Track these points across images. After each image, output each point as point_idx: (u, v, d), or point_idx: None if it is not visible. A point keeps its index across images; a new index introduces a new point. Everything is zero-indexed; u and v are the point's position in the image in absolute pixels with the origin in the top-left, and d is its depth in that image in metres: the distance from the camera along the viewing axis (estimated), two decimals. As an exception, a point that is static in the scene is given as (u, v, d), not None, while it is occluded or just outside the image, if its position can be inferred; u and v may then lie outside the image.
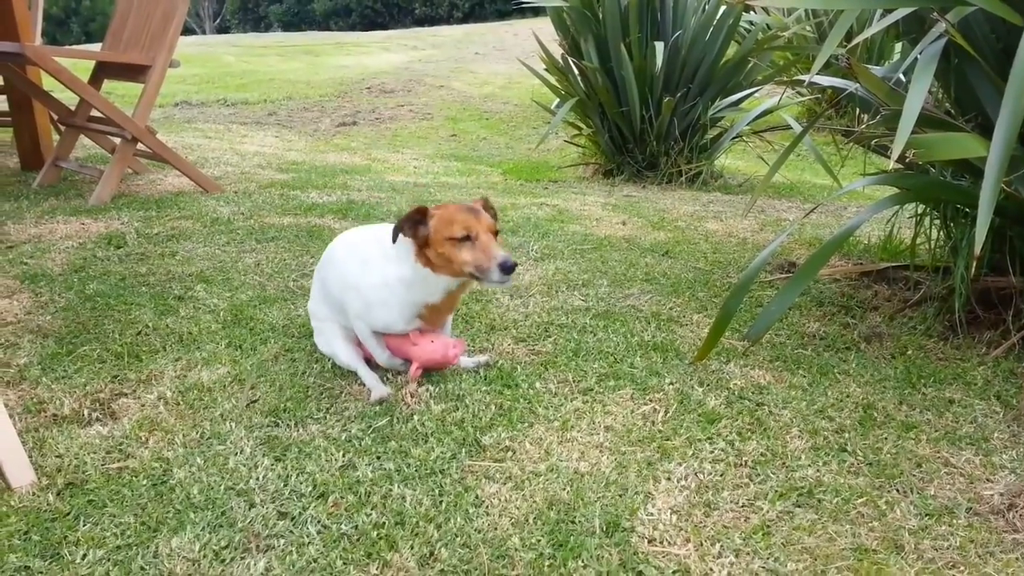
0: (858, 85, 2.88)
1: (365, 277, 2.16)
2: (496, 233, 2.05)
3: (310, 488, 1.74)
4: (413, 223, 2.05)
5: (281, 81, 11.97)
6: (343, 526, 1.62)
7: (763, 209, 4.87)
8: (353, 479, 1.77)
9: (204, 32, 38.26)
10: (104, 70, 4.57)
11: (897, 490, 1.74)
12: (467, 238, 2.01)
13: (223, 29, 40.51)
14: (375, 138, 8.45)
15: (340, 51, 16.57)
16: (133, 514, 1.65)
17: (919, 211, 2.81)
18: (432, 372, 2.26)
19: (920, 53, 1.92)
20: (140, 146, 4.30)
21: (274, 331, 2.54)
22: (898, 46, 5.68)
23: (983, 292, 2.63)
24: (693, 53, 5.67)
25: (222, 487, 1.74)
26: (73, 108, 4.60)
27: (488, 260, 1.98)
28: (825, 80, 3.14)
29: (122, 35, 4.48)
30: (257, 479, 1.77)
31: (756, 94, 5.64)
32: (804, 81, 3.20)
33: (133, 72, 4.32)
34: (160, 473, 1.80)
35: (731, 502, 1.70)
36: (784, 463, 1.85)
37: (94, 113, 4.50)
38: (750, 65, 5.77)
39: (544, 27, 6.84)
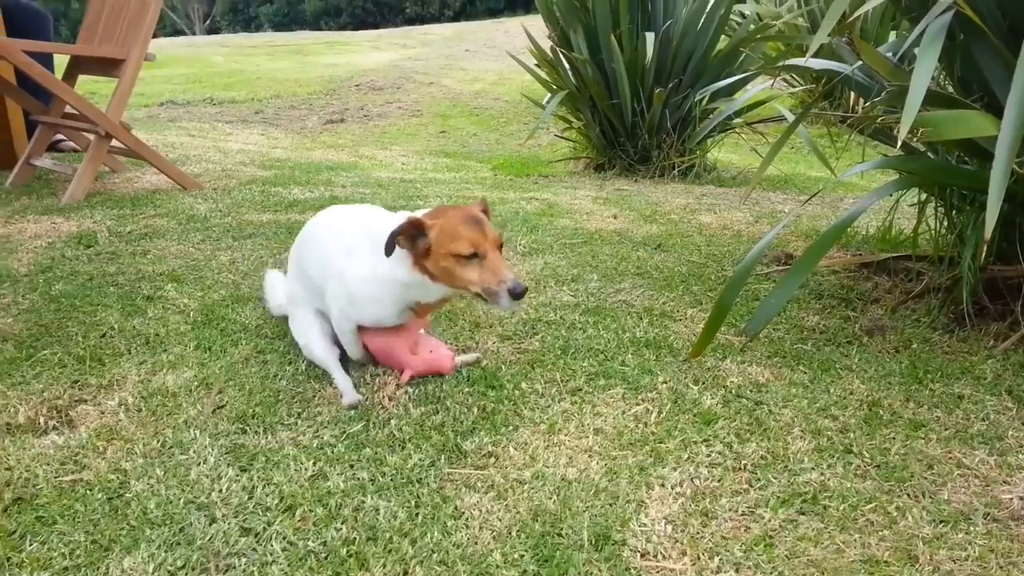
0: (854, 68, 2.76)
1: (352, 268, 1.99)
2: (501, 246, 1.88)
3: (276, 501, 1.61)
4: (408, 236, 1.86)
5: (269, 80, 11.82)
6: (310, 542, 1.49)
7: (757, 201, 4.75)
8: (323, 490, 1.65)
9: (194, 33, 38.04)
10: (78, 65, 4.43)
11: (908, 495, 1.62)
12: (474, 255, 1.82)
13: (214, 30, 40.28)
14: (363, 135, 8.32)
15: (330, 50, 16.43)
16: (84, 531, 1.52)
17: (921, 199, 2.69)
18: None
19: (925, 27, 1.79)
20: (118, 144, 4.16)
21: (246, 332, 2.41)
22: (892, 35, 5.57)
23: (989, 282, 2.51)
24: (684, 44, 5.55)
25: (182, 501, 1.62)
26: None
27: (497, 283, 1.80)
28: (819, 64, 3.02)
29: (96, 29, 4.33)
30: (220, 491, 1.65)
31: (748, 85, 5.52)
32: (797, 65, 3.08)
33: (108, 66, 4.18)
34: (116, 486, 1.67)
35: (730, 510, 1.58)
36: (786, 466, 1.73)
37: (68, 110, 4.35)
38: (742, 56, 5.65)
39: (535, 23, 6.71)
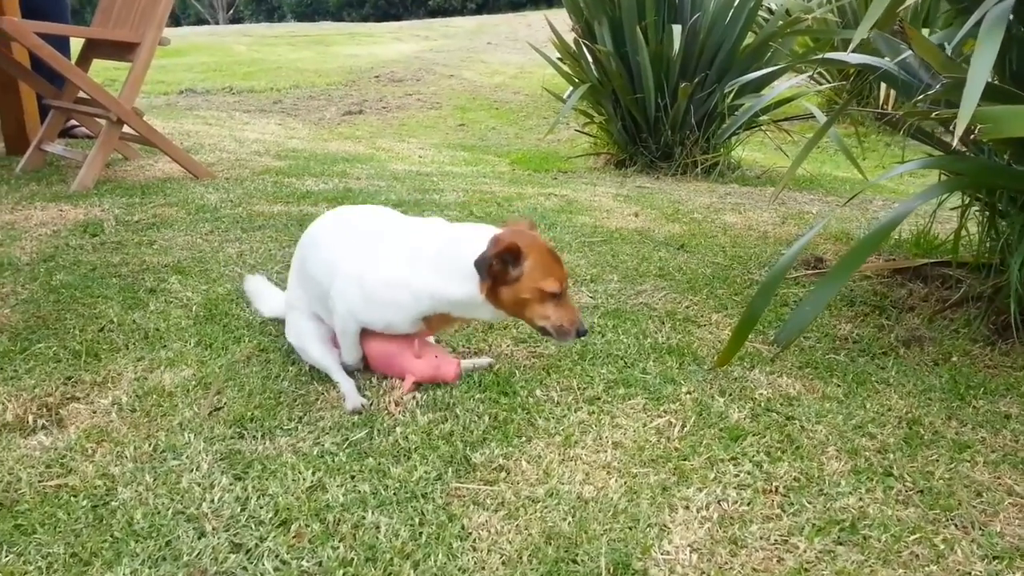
0: (893, 63, 2.61)
1: (374, 272, 1.88)
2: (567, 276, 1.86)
3: (271, 514, 1.50)
4: (503, 262, 1.76)
5: (289, 70, 11.74)
6: (305, 562, 1.38)
7: (784, 201, 4.60)
8: (321, 503, 1.53)
9: (217, 23, 38.10)
10: (93, 49, 4.35)
11: (956, 525, 1.49)
12: (557, 295, 1.79)
13: (236, 20, 40.35)
14: (381, 127, 8.21)
15: (351, 41, 16.32)
16: (65, 543, 1.42)
17: (964, 202, 2.54)
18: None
19: (983, 15, 1.65)
20: (130, 131, 4.08)
21: (250, 328, 2.30)
22: (924, 31, 5.37)
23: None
24: (712, 37, 5.40)
25: (170, 511, 1.51)
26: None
27: (571, 324, 1.80)
28: (857, 58, 2.87)
29: (111, 12, 4.24)
30: (211, 502, 1.54)
31: (775, 82, 5.36)
32: (834, 59, 2.94)
33: (122, 50, 4.09)
34: (102, 493, 1.57)
35: (761, 538, 1.45)
36: (821, 490, 1.60)
37: (82, 95, 4.27)
38: (771, 51, 5.49)
39: (558, 17, 6.58)
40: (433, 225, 1.96)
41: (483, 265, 1.74)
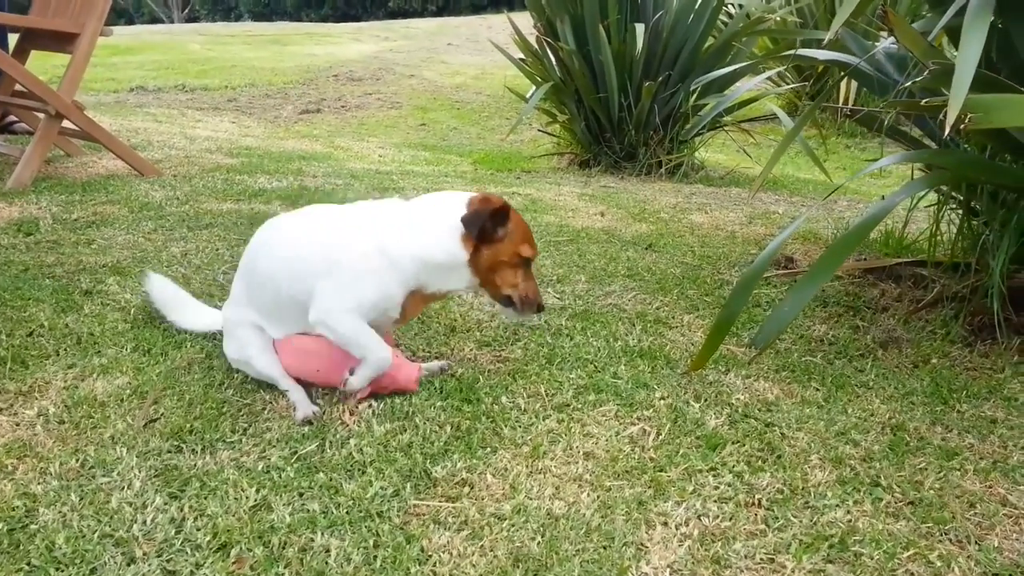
0: (859, 59, 2.55)
1: (346, 252, 1.74)
2: None
3: (209, 537, 1.36)
4: (494, 220, 1.75)
5: (245, 68, 11.46)
6: (245, 591, 1.24)
7: (748, 201, 4.54)
8: (266, 525, 1.39)
9: (172, 22, 37.37)
10: (30, 39, 4.12)
11: (951, 540, 1.39)
12: (528, 262, 1.80)
13: (192, 19, 39.61)
14: (339, 126, 8.02)
15: (309, 40, 16.03)
16: (-27, 573, 1.26)
17: (939, 199, 2.47)
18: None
19: (964, 5, 1.57)
20: (72, 125, 3.86)
21: (192, 333, 2.14)
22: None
23: (1011, 292, 2.30)
24: (675, 36, 5.33)
25: (97, 534, 1.36)
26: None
27: (535, 295, 1.82)
28: (824, 54, 2.80)
29: (50, 1, 4.03)
30: (143, 524, 1.39)
31: (737, 83, 5.32)
32: (803, 55, 2.87)
33: (61, 41, 3.87)
34: (21, 515, 1.42)
35: (745, 556, 1.34)
36: (806, 502, 1.49)
37: (19, 88, 4.04)
38: (734, 51, 5.45)
39: (521, 19, 6.48)
40: (394, 201, 1.89)
41: (476, 221, 1.71)
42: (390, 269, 1.73)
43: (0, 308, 2.23)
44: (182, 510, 1.43)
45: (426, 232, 1.75)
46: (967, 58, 1.43)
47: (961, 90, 1.36)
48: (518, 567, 1.30)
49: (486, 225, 1.73)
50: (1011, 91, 1.60)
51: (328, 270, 1.74)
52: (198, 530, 1.37)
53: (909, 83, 1.78)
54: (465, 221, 1.73)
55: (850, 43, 2.79)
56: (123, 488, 1.49)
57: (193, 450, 1.61)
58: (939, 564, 1.33)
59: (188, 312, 2.15)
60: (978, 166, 2.08)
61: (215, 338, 2.11)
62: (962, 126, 1.39)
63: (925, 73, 1.60)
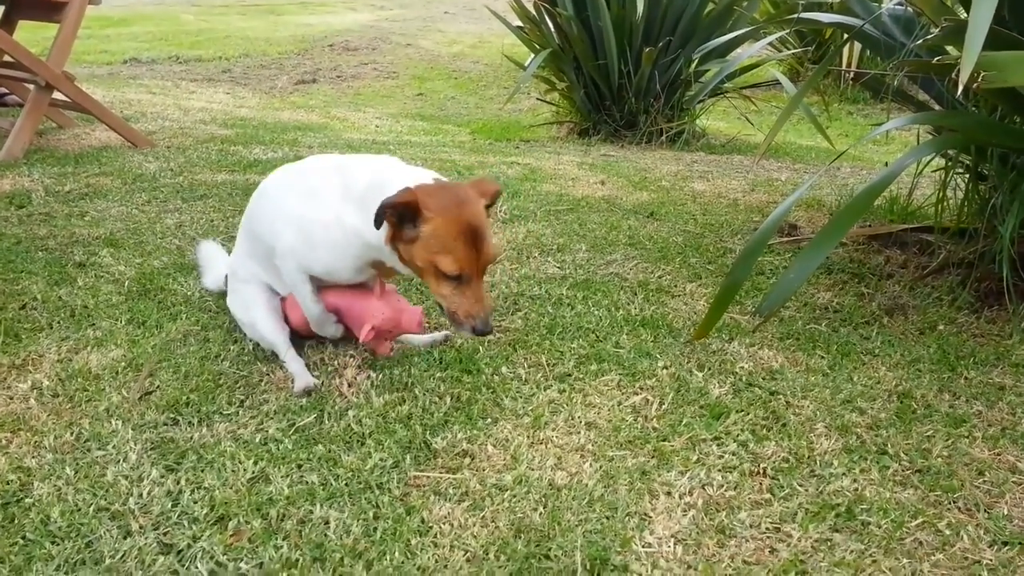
0: (864, 21, 2.49)
1: (312, 211, 1.69)
2: (492, 261, 1.63)
3: (206, 510, 1.34)
4: (399, 215, 1.54)
5: (239, 39, 11.32)
6: (243, 563, 1.22)
7: (750, 169, 4.49)
8: (264, 497, 1.37)
9: (165, -8, 36.85)
10: (17, 9, 4.04)
11: (959, 508, 1.37)
12: (457, 278, 1.55)
13: (185, -11, 39.09)
14: (336, 96, 7.93)
15: (304, 10, 15.83)
16: (-34, 548, 1.24)
17: (947, 164, 2.43)
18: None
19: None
20: (63, 97, 3.80)
21: (188, 304, 2.11)
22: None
23: (1020, 257, 2.27)
24: (675, 1, 5.24)
25: (92, 508, 1.34)
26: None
27: (466, 316, 1.57)
28: (829, 17, 2.74)
29: (38, -31, 3.95)
30: (139, 497, 1.37)
31: (739, 49, 5.24)
32: (807, 18, 2.81)
33: (48, 10, 3.80)
34: (16, 488, 1.40)
35: (750, 526, 1.32)
36: (812, 471, 1.47)
37: (7, 59, 3.97)
38: (736, 15, 5.36)
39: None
40: (376, 162, 1.76)
41: (379, 211, 1.54)
42: (343, 243, 1.68)
43: (-8, 281, 2.20)
44: (179, 483, 1.41)
45: (367, 209, 1.60)
46: (980, 14, 1.38)
47: (974, 47, 1.32)
48: (520, 538, 1.28)
49: (389, 217, 1.55)
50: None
51: (298, 227, 1.72)
52: (195, 503, 1.35)
53: (919, 42, 1.73)
54: (377, 208, 1.56)
55: (855, 5, 2.73)
56: (119, 461, 1.47)
57: (189, 422, 1.59)
58: (948, 532, 1.31)
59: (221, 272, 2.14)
60: (990, 128, 2.03)
61: (211, 310, 2.08)
62: (975, 85, 1.34)
63: (936, 31, 1.55)
